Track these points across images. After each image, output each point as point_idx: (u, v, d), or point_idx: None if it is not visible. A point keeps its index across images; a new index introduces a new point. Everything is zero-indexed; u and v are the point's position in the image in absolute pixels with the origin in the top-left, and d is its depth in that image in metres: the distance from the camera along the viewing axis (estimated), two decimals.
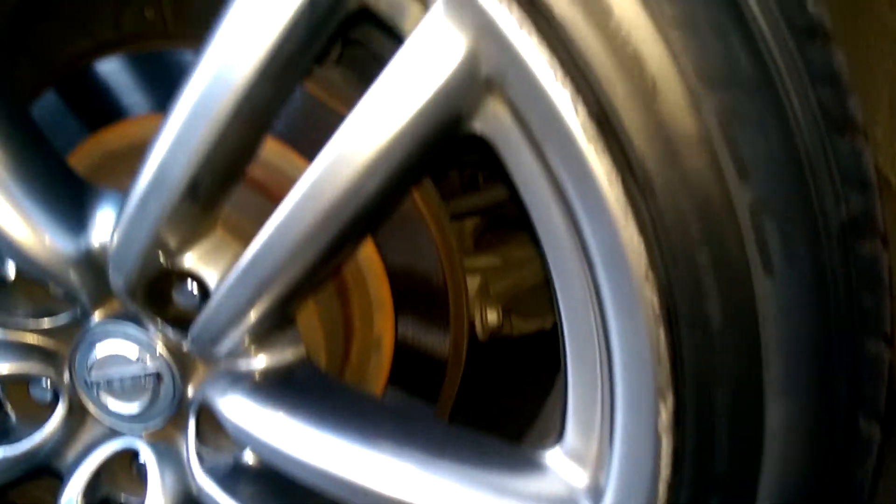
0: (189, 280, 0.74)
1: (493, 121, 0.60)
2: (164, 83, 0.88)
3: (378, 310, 0.94)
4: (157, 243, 0.69)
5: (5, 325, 0.77)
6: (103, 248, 0.73)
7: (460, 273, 0.96)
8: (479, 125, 0.61)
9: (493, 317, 1.10)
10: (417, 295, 0.95)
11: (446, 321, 0.97)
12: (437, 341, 0.98)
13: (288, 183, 0.88)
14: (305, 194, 0.62)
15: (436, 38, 0.54)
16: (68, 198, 0.75)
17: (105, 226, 0.73)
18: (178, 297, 0.75)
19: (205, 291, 0.74)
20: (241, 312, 0.69)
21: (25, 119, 0.77)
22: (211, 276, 0.74)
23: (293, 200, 0.63)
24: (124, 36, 0.95)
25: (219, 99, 0.58)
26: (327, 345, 0.89)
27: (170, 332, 0.75)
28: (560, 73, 0.51)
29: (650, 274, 0.53)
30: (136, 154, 0.93)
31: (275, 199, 0.88)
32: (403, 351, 0.96)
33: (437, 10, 0.53)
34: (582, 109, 0.52)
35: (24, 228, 0.72)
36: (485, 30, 0.53)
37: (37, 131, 0.77)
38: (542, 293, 1.28)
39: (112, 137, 0.91)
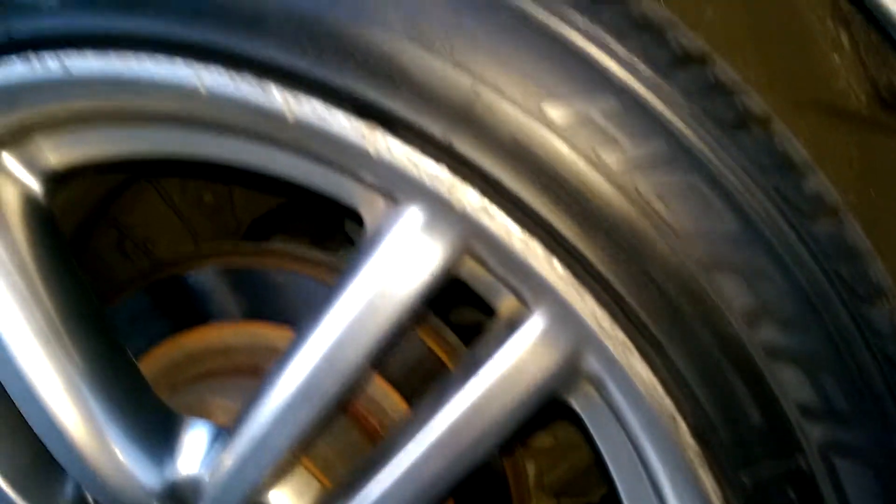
0: None
1: (587, 403, 0.62)
2: (246, 295, 0.92)
3: None
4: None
5: None
6: (189, 480, 0.74)
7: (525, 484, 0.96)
8: (573, 402, 0.63)
9: None
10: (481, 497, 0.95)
11: None
12: None
13: (374, 410, 0.90)
14: (419, 459, 0.62)
15: (539, 342, 0.57)
16: (152, 424, 0.75)
17: (191, 458, 0.75)
18: None
19: None
20: None
21: (108, 331, 0.75)
22: None
23: (406, 462, 0.63)
24: (214, 250, 1.00)
25: (325, 382, 0.60)
26: None
27: None
28: (661, 391, 0.53)
29: None
30: (211, 357, 0.97)
31: (359, 427, 0.90)
32: None
33: (540, 318, 0.56)
34: (683, 426, 0.53)
35: (106, 459, 0.71)
36: (588, 341, 0.55)
37: (119, 345, 0.76)
38: (590, 472, 1.27)
39: (192, 340, 0.95)
